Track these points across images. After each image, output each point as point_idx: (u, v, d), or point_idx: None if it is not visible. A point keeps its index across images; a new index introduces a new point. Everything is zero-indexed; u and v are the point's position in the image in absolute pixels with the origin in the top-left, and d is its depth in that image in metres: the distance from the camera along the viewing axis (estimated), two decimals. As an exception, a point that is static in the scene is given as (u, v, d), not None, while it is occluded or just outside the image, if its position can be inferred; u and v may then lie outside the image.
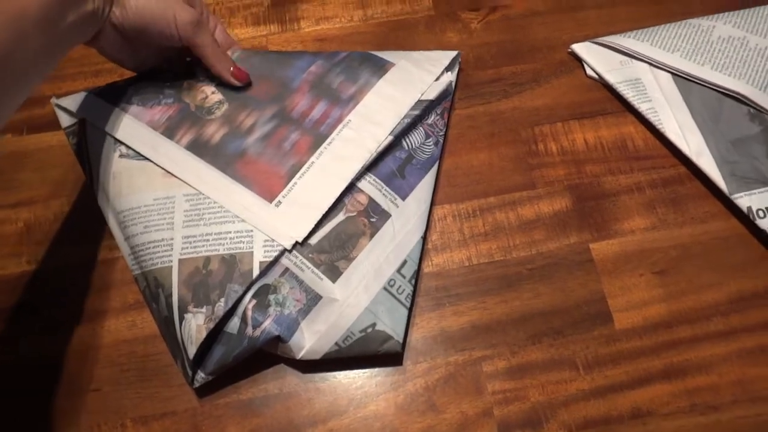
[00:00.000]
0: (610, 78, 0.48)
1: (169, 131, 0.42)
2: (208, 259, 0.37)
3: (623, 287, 0.42)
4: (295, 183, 0.40)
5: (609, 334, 0.41)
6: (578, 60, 0.50)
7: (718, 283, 0.42)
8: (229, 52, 0.46)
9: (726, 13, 0.50)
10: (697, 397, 0.39)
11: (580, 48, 0.50)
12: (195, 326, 0.36)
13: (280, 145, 0.41)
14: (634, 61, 0.49)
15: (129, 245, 0.40)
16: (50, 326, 0.40)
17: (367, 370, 0.39)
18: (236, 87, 0.44)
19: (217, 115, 0.43)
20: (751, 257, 0.43)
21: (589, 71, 0.49)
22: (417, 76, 0.45)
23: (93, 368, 0.39)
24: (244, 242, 0.38)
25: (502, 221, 0.44)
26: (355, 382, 0.39)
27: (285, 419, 0.38)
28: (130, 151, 0.41)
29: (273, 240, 0.38)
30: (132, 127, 0.42)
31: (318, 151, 0.41)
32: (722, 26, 0.49)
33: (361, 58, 0.47)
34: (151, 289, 0.38)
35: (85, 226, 0.43)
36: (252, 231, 0.38)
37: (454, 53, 0.48)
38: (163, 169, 0.40)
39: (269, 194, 0.39)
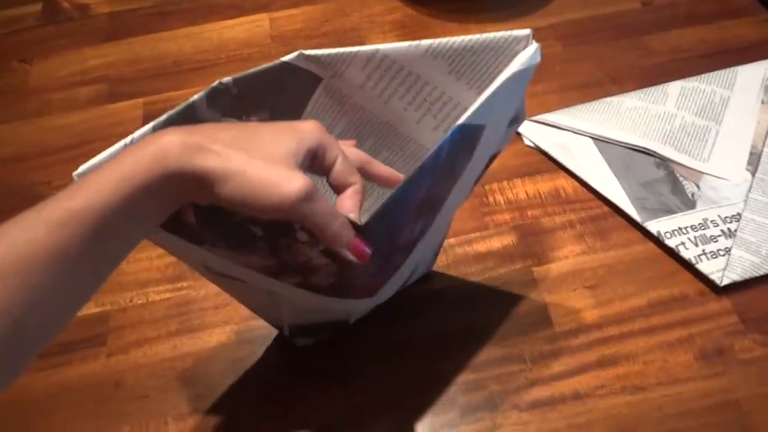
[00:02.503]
0: (544, 145, 0.62)
1: (273, 275, 0.38)
2: None
3: (561, 299, 0.52)
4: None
5: (550, 335, 0.50)
6: (518, 134, 0.64)
7: (639, 292, 0.52)
8: (351, 215, 0.34)
9: (631, 92, 0.64)
10: (627, 381, 0.48)
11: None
12: None
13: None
14: (561, 131, 0.62)
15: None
16: (114, 352, 0.52)
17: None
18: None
19: (326, 272, 0.37)
20: (665, 270, 0.53)
21: (527, 141, 0.63)
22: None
23: (144, 380, 0.50)
24: None
25: (460, 255, 0.55)
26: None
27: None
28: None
29: None
30: (223, 264, 0.38)
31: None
32: (629, 101, 0.63)
33: (460, 149, 0.38)
34: None
35: (141, 277, 0.56)
36: None
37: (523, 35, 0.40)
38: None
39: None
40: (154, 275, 0.56)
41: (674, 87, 0.64)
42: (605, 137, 0.61)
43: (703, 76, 0.64)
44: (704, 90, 0.63)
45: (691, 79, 0.64)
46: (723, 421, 0.45)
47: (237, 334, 0.52)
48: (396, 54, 0.42)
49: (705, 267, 0.52)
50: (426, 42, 0.41)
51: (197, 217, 0.33)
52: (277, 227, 0.33)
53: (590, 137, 0.61)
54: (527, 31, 0.39)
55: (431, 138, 0.46)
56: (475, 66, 0.42)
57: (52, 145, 0.67)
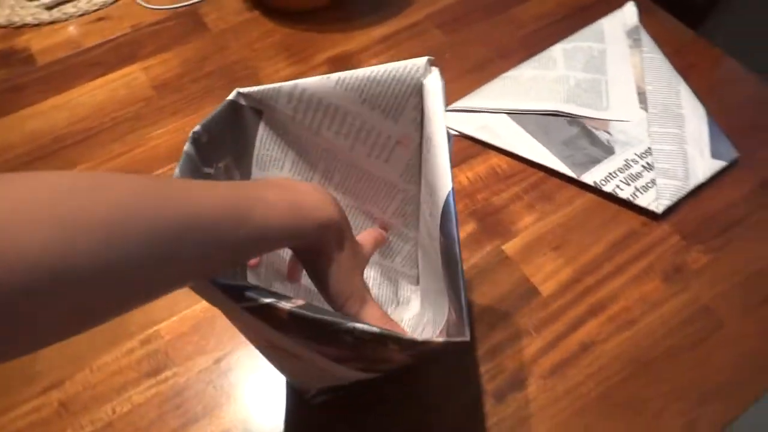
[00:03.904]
0: (467, 130, 0.65)
1: (340, 362, 0.38)
2: None
3: (536, 267, 0.56)
4: None
5: (541, 302, 0.54)
6: (439, 126, 0.66)
7: (597, 240, 0.57)
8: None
9: (524, 63, 0.70)
10: (618, 320, 0.53)
11: (437, 117, 0.66)
12: None
13: None
14: (478, 113, 0.66)
15: None
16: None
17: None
18: None
19: (398, 363, 0.39)
20: (610, 214, 0.59)
21: (450, 131, 0.65)
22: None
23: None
24: None
25: (434, 254, 0.57)
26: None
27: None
28: None
29: None
30: (291, 345, 0.36)
31: None
32: (525, 71, 0.68)
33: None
34: None
35: (115, 382, 0.50)
36: None
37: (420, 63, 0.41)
38: None
39: None
40: (129, 375, 0.51)
41: (557, 51, 0.70)
42: (518, 110, 0.65)
43: (575, 35, 0.71)
44: (582, 47, 0.70)
45: (567, 39, 0.71)
46: (702, 326, 0.52)
47: (248, 407, 0.49)
48: (313, 87, 0.43)
49: (641, 201, 0.58)
50: (335, 75, 0.42)
51: (292, 322, 0.31)
52: (369, 340, 0.31)
53: (505, 113, 0.65)
54: (425, 59, 0.41)
55: (369, 164, 0.47)
56: (383, 95, 0.43)
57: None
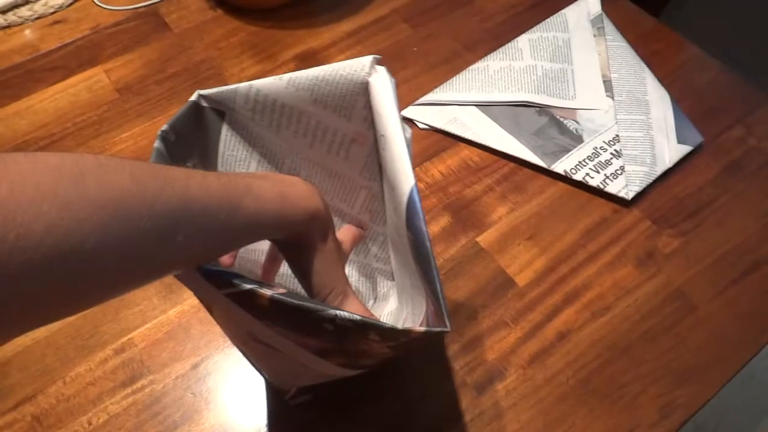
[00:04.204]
0: (437, 124, 0.65)
1: (321, 355, 0.37)
2: None
3: (511, 257, 0.56)
4: None
5: (517, 292, 0.54)
6: (411, 120, 0.66)
7: (570, 228, 0.58)
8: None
9: (491, 54, 0.70)
10: (593, 307, 0.53)
11: (408, 111, 0.66)
12: None
13: None
14: (447, 107, 0.66)
15: None
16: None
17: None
18: None
19: (379, 356, 0.38)
20: (581, 202, 0.60)
21: (421, 126, 0.65)
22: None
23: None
24: None
25: (410, 249, 0.57)
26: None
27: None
28: None
29: None
30: (272, 336, 0.36)
31: None
32: (492, 63, 0.69)
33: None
34: None
35: (90, 393, 0.49)
36: None
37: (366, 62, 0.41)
38: None
39: None
40: (104, 386, 0.49)
41: (523, 41, 0.70)
42: (487, 102, 0.65)
43: (540, 25, 0.72)
44: (548, 37, 0.70)
45: (532, 30, 0.71)
46: (676, 309, 0.53)
47: (228, 411, 0.48)
48: (267, 88, 0.42)
49: (611, 188, 0.59)
50: (286, 75, 0.42)
51: (273, 309, 0.31)
52: (350, 329, 0.31)
53: (474, 105, 0.65)
54: (370, 57, 0.41)
55: (330, 161, 0.47)
56: (332, 95, 0.43)
57: None
